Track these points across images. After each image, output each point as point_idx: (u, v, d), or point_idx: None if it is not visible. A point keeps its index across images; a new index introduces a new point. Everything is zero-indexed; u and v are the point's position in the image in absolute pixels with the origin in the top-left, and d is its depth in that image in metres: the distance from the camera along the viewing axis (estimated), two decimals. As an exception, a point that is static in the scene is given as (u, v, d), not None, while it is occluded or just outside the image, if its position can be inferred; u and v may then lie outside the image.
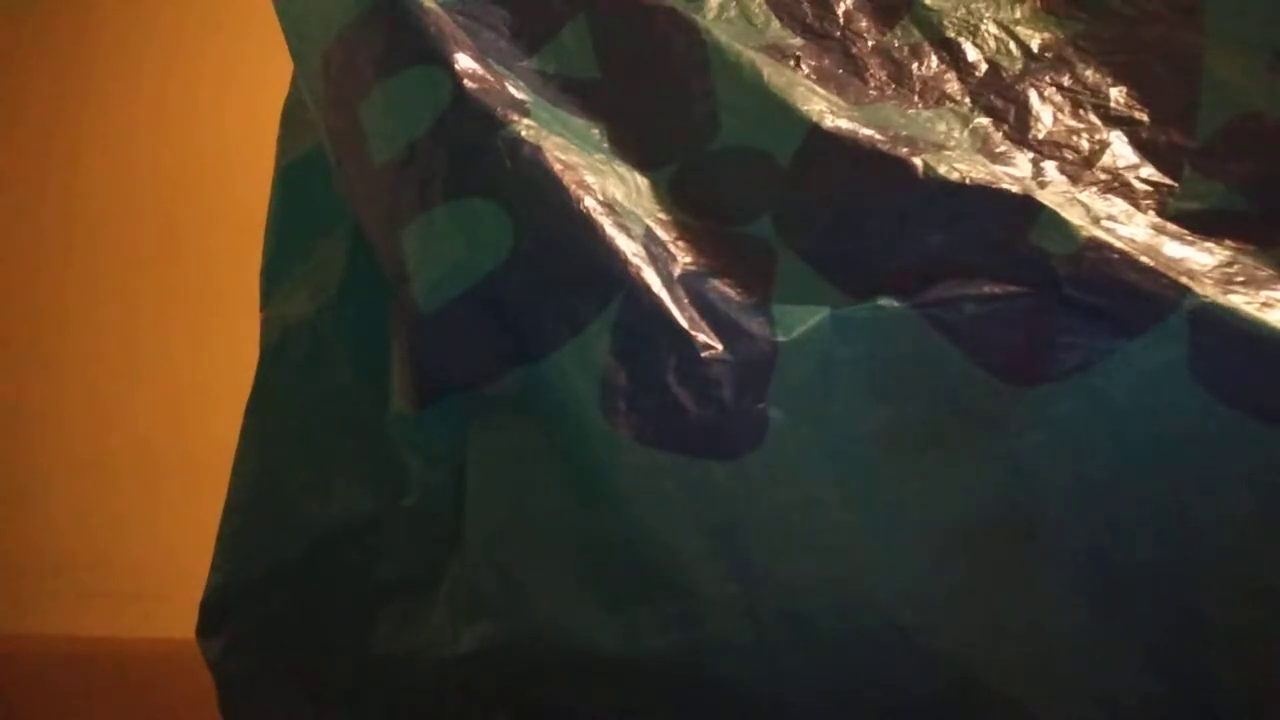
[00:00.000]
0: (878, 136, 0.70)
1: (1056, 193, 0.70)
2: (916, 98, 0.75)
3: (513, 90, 0.73)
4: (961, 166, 0.69)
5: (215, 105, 1.83)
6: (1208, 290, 0.64)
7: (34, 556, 1.82)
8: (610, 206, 0.70)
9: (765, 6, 0.78)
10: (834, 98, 0.74)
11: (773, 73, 0.73)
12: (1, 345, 1.88)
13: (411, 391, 0.72)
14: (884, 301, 0.67)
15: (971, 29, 0.77)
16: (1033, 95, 0.74)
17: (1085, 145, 0.73)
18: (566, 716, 0.71)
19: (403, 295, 0.72)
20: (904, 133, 0.72)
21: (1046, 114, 0.74)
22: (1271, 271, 0.67)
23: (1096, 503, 0.65)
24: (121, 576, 1.74)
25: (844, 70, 0.76)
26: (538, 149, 0.70)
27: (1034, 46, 0.76)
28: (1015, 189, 0.68)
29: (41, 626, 1.74)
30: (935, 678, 0.66)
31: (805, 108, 0.72)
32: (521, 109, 0.72)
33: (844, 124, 0.71)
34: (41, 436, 1.85)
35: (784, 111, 0.72)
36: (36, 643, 1.67)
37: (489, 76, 0.73)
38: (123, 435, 1.81)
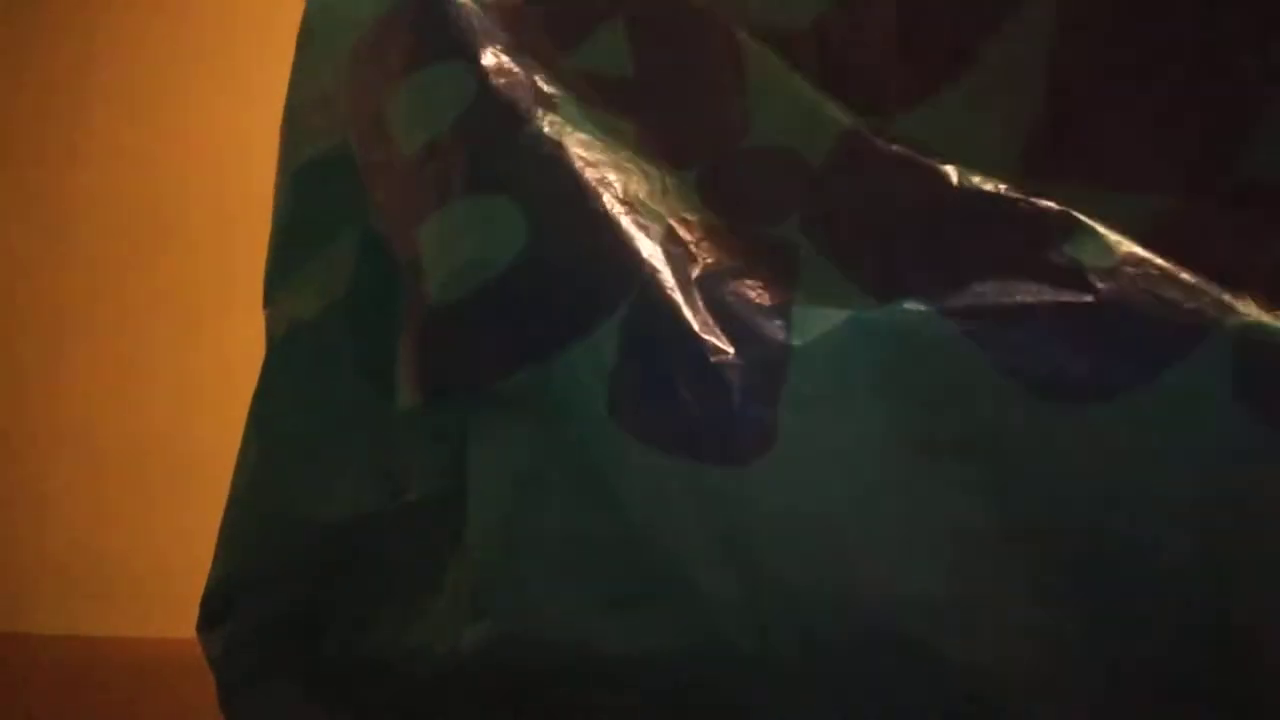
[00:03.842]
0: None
1: None
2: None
3: (542, 85, 0.73)
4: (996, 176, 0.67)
5: (219, 105, 1.84)
6: (1252, 308, 0.62)
7: (34, 556, 1.82)
8: (630, 205, 0.70)
9: None
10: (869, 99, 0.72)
11: (807, 74, 0.72)
12: (2, 345, 1.88)
13: (418, 387, 0.72)
14: (909, 305, 0.65)
15: None
16: None
17: None
18: (569, 718, 0.70)
19: (416, 290, 0.72)
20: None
21: None
22: None
23: (1129, 526, 0.63)
24: (121, 576, 1.75)
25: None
26: (559, 145, 0.70)
27: None
28: (1050, 201, 0.66)
29: (41, 626, 1.74)
30: (946, 690, 0.65)
31: (838, 110, 0.71)
32: (549, 104, 0.72)
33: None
34: (42, 437, 1.86)
35: (817, 113, 0.71)
36: (36, 643, 1.67)
37: (517, 71, 0.73)
38: (123, 436, 1.82)
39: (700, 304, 0.68)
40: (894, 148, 0.69)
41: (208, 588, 0.82)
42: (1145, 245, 0.65)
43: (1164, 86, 0.68)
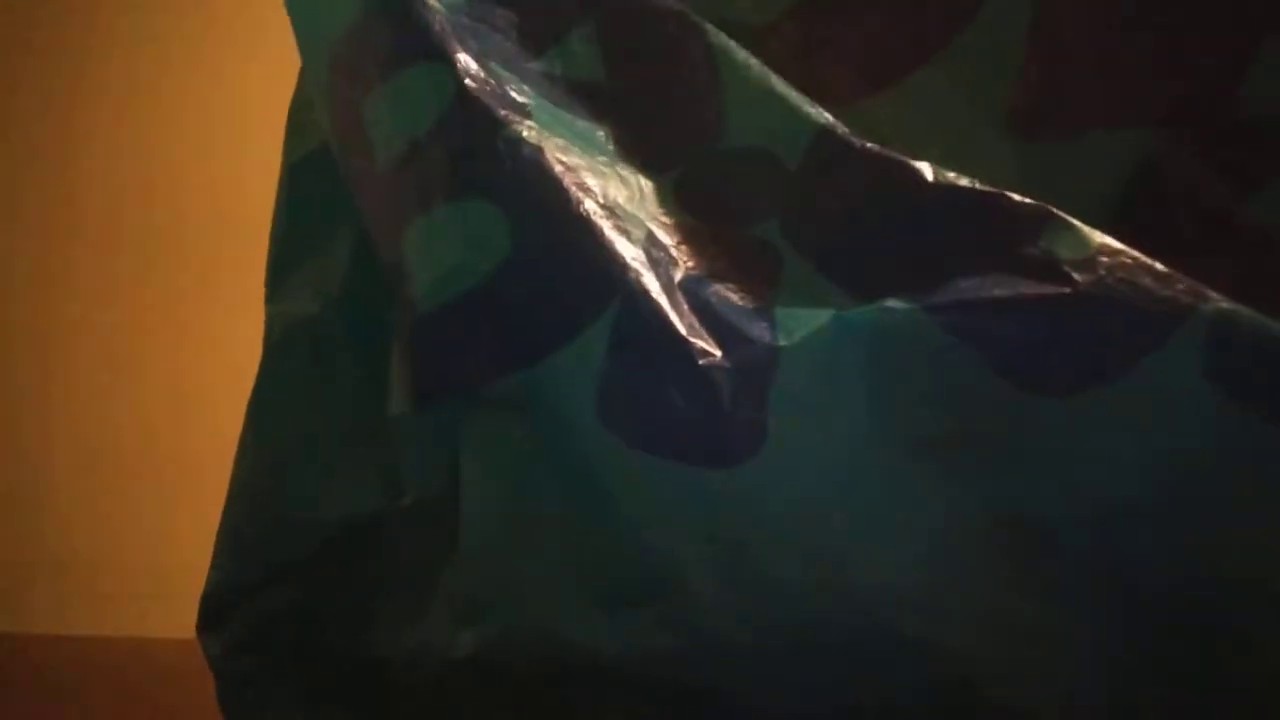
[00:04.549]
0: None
1: None
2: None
3: (514, 94, 0.72)
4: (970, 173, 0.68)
5: (223, 104, 1.84)
6: (1225, 295, 0.62)
7: (35, 556, 1.82)
8: (611, 210, 0.69)
9: None
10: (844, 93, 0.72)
11: (782, 64, 0.72)
12: (3, 344, 1.88)
13: (409, 392, 0.72)
14: (891, 303, 0.66)
15: None
16: None
17: None
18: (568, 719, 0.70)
19: (402, 296, 0.72)
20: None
21: None
22: None
23: (1115, 516, 0.63)
24: (121, 576, 1.75)
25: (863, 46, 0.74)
26: (539, 150, 0.70)
27: None
28: (1025, 196, 0.66)
29: (41, 626, 1.74)
30: (939, 687, 0.65)
31: (813, 109, 0.71)
32: (523, 111, 0.71)
33: (852, 127, 0.70)
34: (42, 436, 1.86)
35: (792, 113, 0.71)
36: (36, 643, 1.67)
37: (490, 78, 0.72)
38: (121, 436, 1.82)
39: (685, 307, 0.68)
40: (869, 146, 0.69)
41: (206, 588, 0.82)
42: (1130, 189, 0.67)
43: (1151, 30, 0.69)
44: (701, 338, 0.67)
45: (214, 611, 0.82)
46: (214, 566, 0.83)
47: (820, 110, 0.71)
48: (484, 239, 0.69)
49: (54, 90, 1.88)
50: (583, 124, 0.73)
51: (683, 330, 0.67)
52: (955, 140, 0.72)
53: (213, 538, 0.84)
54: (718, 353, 0.67)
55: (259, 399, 0.83)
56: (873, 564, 0.66)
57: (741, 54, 0.73)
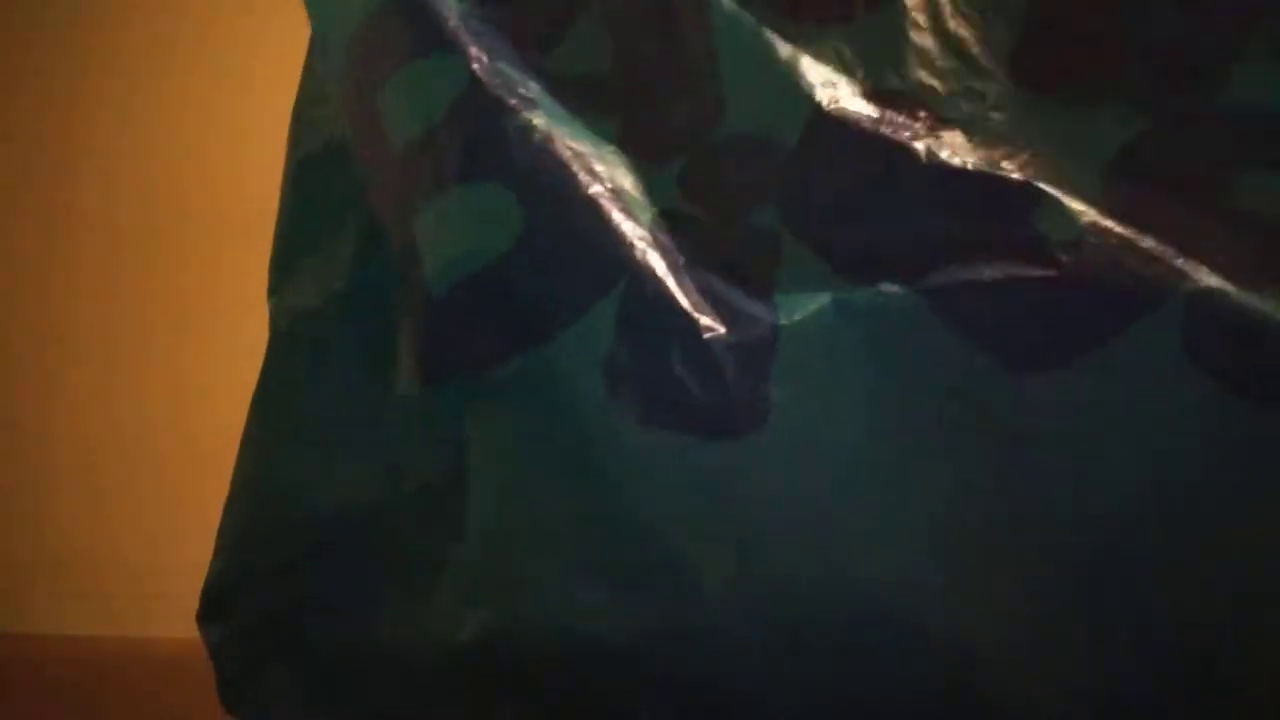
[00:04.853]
0: (881, 118, 0.69)
1: None
2: None
3: (522, 90, 0.74)
4: (964, 152, 0.68)
5: (223, 104, 1.84)
6: (1203, 274, 0.63)
7: (35, 556, 1.82)
8: (617, 194, 0.71)
9: None
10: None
11: (779, 47, 0.72)
12: (3, 343, 1.88)
13: (417, 375, 0.73)
14: (887, 286, 0.67)
15: None
16: None
17: None
18: (570, 704, 0.70)
19: (413, 278, 0.73)
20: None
21: None
22: None
23: (1103, 496, 0.64)
24: (122, 576, 1.75)
25: None
26: (548, 136, 0.71)
27: None
28: (1017, 175, 0.67)
29: (41, 626, 1.74)
30: (936, 671, 0.66)
31: (809, 87, 0.71)
32: (532, 104, 0.73)
33: (848, 105, 0.70)
34: (43, 435, 1.85)
35: (789, 91, 0.71)
36: (36, 643, 1.67)
37: (501, 69, 0.73)
38: (121, 435, 1.81)
39: (690, 286, 0.69)
40: (863, 125, 0.70)
41: (209, 578, 0.83)
42: (1122, 165, 0.67)
43: (1144, 12, 0.70)
44: (706, 314, 0.68)
45: (216, 601, 0.83)
46: (217, 556, 0.83)
47: (816, 86, 0.71)
48: (495, 221, 0.71)
49: (54, 90, 1.89)
50: (589, 116, 0.74)
51: (688, 307, 0.68)
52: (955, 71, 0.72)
53: (213, 537, 0.84)
54: (722, 329, 0.68)
55: (263, 390, 0.84)
56: (869, 543, 0.66)
57: (738, 28, 0.73)
